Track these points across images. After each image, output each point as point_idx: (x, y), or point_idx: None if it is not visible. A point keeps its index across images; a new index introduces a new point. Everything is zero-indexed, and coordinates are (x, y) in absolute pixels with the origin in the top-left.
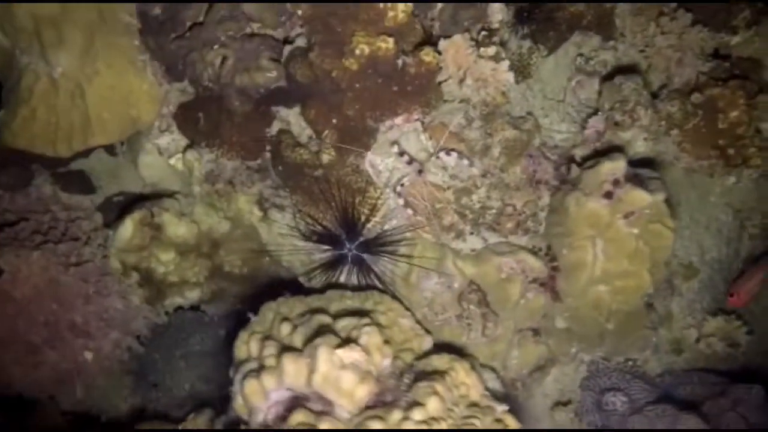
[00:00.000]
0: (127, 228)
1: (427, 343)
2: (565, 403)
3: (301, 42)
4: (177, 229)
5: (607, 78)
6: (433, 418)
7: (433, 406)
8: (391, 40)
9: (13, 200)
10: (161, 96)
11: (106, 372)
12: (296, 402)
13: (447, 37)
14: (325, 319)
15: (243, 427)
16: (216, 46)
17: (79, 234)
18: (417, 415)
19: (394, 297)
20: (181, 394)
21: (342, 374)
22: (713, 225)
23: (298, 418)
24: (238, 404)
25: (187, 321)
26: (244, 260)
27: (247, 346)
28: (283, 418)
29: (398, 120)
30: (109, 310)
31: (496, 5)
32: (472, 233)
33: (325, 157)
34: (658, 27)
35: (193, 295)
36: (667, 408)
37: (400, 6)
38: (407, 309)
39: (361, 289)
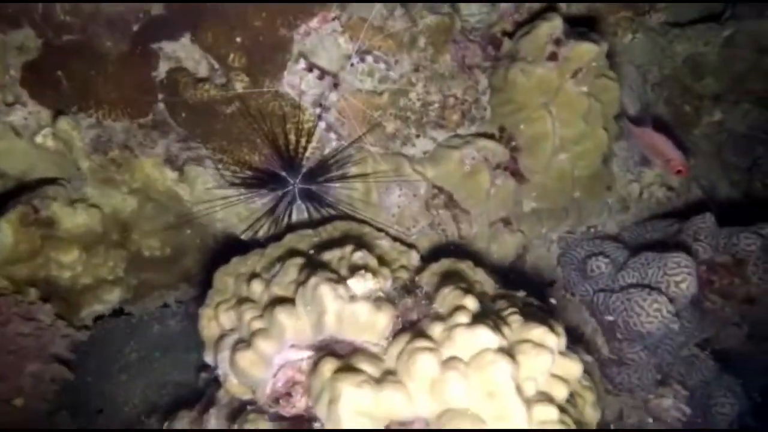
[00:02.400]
0: (6, 234)
1: (415, 257)
2: (551, 284)
3: None
4: (74, 218)
5: None
6: (476, 317)
7: (472, 304)
8: None
9: None
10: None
11: (36, 415)
12: (306, 358)
13: None
14: (298, 260)
15: (250, 408)
16: None
17: None
18: (462, 317)
19: (360, 221)
20: (134, 410)
21: (356, 307)
22: (624, 82)
23: (327, 367)
24: (233, 385)
25: (113, 329)
26: (164, 238)
27: (216, 321)
28: (296, 381)
29: (314, 22)
30: (16, 339)
31: None
32: (418, 135)
33: (238, 86)
34: None
35: (112, 297)
36: (648, 254)
37: None
38: (379, 230)
39: (320, 224)
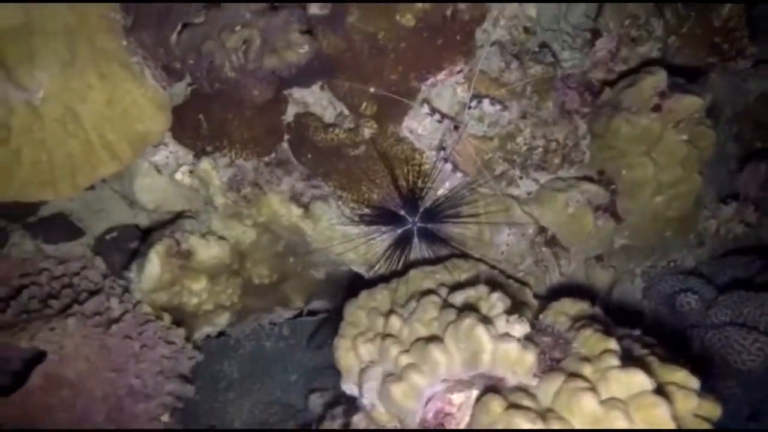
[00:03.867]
0: (155, 264)
1: (529, 294)
2: (639, 316)
3: (315, 10)
4: (209, 251)
5: None
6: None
7: (616, 347)
8: None
9: (4, 273)
10: (167, 101)
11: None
12: (452, 390)
13: None
14: (435, 299)
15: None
16: (238, 27)
17: (92, 286)
18: (613, 360)
19: (475, 259)
20: (244, 427)
21: (509, 346)
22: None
23: (496, 403)
24: (380, 413)
25: (214, 349)
26: (272, 265)
27: (354, 352)
28: (447, 413)
29: (441, 75)
30: (161, 361)
31: None
32: (521, 177)
33: (367, 132)
34: None
35: (222, 320)
36: (741, 293)
37: None
38: (493, 267)
39: (437, 261)
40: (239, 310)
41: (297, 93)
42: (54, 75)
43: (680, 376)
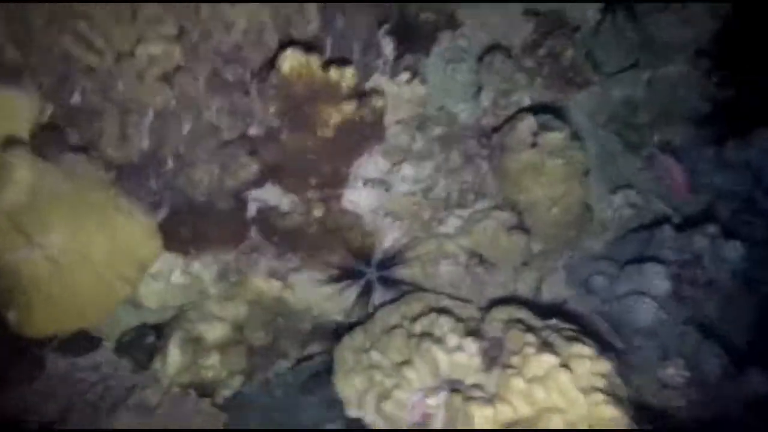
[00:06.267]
0: (175, 354)
1: (473, 309)
2: (563, 302)
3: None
4: (214, 332)
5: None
6: (538, 346)
7: (532, 339)
8: (353, 102)
9: (52, 391)
10: (155, 227)
11: None
12: (428, 395)
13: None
14: (399, 331)
15: None
16: (199, 164)
17: (127, 383)
18: (529, 349)
19: (424, 290)
20: None
21: (458, 356)
22: (580, 129)
23: (457, 400)
24: (379, 426)
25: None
26: (268, 329)
27: (349, 384)
28: (428, 414)
29: (363, 158)
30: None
31: (386, 38)
32: (447, 216)
33: (317, 213)
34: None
35: (236, 383)
36: (631, 267)
37: (348, 74)
38: (440, 293)
39: (397, 299)
40: (249, 371)
41: (254, 193)
42: (64, 233)
43: (577, 348)
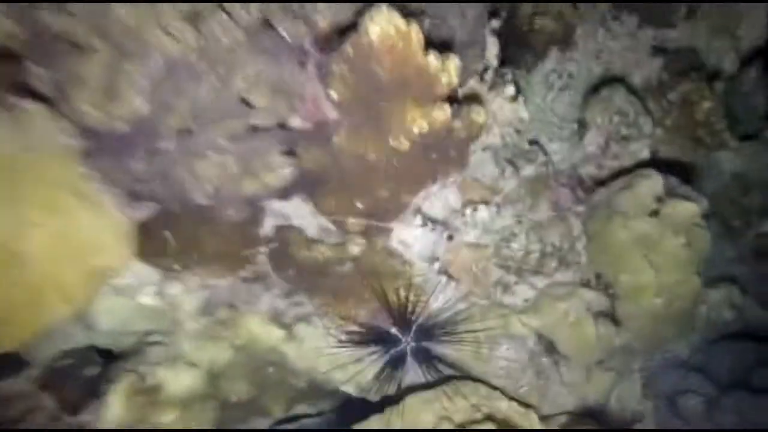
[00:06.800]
0: (114, 407)
1: (534, 420)
2: (641, 420)
3: (299, 120)
4: (179, 382)
5: (587, 90)
6: None
7: None
8: (447, 108)
9: None
10: (129, 228)
11: None
12: None
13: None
14: None
15: None
16: (211, 153)
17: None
18: None
19: (475, 380)
20: None
21: None
22: None
23: None
24: None
25: None
26: (250, 380)
27: None
28: None
29: (434, 188)
30: None
31: (490, 38)
32: (517, 283)
33: (354, 249)
34: (608, 32)
35: None
36: (742, 395)
37: (452, 65)
38: (494, 388)
39: (433, 384)
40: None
41: (275, 204)
42: None
43: None
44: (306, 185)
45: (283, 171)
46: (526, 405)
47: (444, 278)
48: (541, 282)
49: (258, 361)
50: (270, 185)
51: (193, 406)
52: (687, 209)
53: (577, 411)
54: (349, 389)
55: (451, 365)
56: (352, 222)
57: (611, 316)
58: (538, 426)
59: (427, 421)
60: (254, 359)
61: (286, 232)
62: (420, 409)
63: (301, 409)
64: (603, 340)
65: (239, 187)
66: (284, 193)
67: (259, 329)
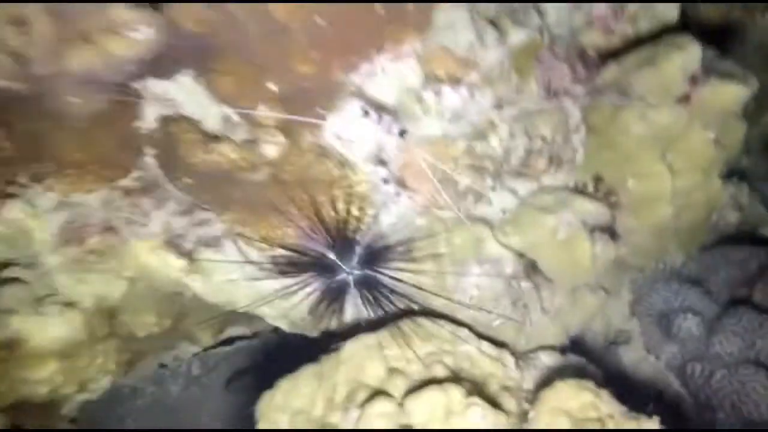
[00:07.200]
0: None
1: (511, 366)
2: (627, 341)
3: None
4: (45, 333)
5: None
6: None
7: None
8: None
9: None
10: None
11: None
12: None
13: None
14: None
15: None
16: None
17: None
18: None
19: (436, 316)
20: None
21: None
22: None
23: None
24: None
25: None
26: (160, 310)
27: None
28: None
29: (383, 59)
30: None
31: None
32: (494, 189)
33: (271, 150)
34: None
35: (101, 385)
36: (749, 315)
37: None
38: (461, 325)
39: (385, 322)
40: (127, 361)
41: (157, 86)
42: None
43: None
44: (195, 56)
45: (139, 34)
46: (500, 345)
47: (394, 186)
48: (524, 187)
49: (164, 290)
50: (116, 56)
51: (82, 353)
52: (731, 93)
53: (559, 344)
54: (281, 325)
55: (406, 298)
56: (263, 111)
57: (610, 231)
58: (513, 370)
59: (374, 373)
60: (157, 290)
61: (174, 125)
62: (364, 357)
63: (234, 331)
64: (599, 262)
65: (63, 62)
66: (162, 67)
67: (151, 257)
